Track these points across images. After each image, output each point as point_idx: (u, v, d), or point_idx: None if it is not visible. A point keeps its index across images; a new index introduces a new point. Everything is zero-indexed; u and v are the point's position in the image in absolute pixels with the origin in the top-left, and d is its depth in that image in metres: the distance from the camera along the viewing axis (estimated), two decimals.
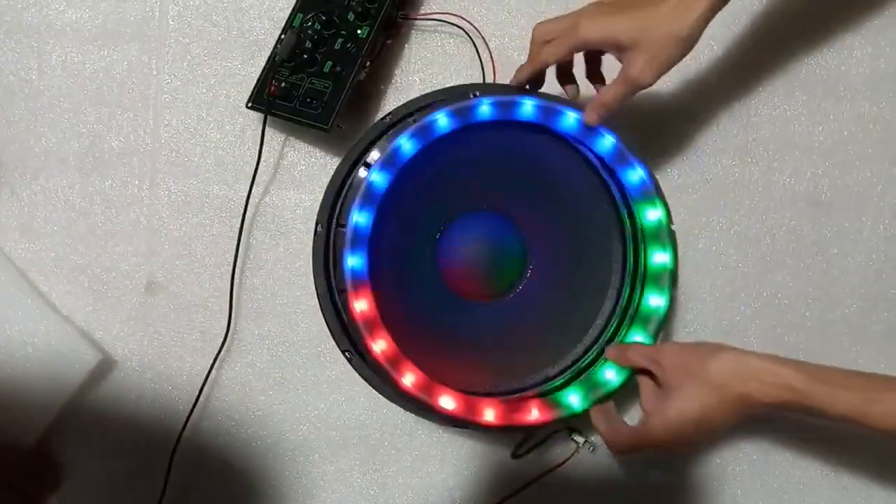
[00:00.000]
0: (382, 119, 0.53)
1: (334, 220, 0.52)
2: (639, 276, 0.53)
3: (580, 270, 0.56)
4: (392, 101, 0.64)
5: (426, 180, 0.55)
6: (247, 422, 0.63)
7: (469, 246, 0.58)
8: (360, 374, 0.52)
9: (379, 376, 0.52)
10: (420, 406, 0.51)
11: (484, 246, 0.58)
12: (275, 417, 0.63)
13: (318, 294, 0.52)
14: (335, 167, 0.56)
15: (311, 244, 0.60)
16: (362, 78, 0.60)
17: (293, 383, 0.63)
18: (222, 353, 0.62)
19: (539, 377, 0.54)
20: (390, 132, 0.53)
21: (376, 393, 0.52)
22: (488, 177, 0.56)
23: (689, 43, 0.47)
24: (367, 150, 0.53)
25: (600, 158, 0.53)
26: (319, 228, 0.53)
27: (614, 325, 0.53)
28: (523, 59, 0.53)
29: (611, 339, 0.53)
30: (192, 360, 0.63)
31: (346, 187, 0.53)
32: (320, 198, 0.54)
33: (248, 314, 0.63)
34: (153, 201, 0.64)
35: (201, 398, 0.61)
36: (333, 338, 0.52)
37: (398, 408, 0.53)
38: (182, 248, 0.64)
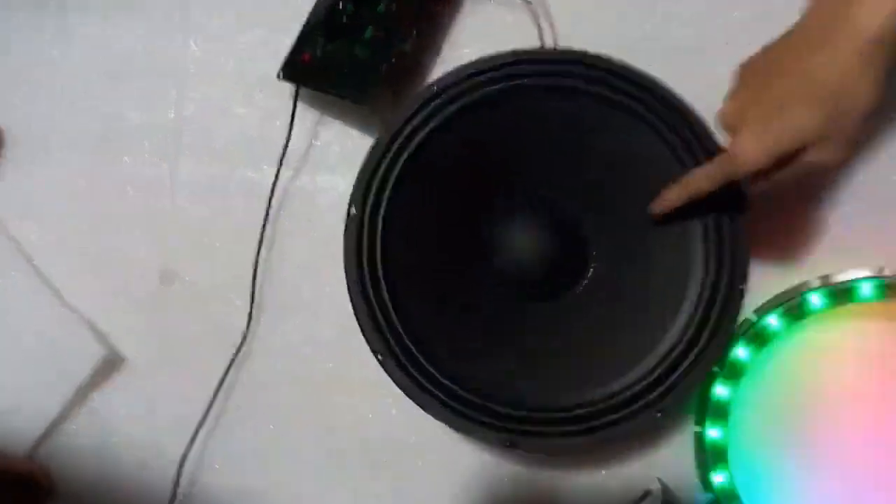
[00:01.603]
0: (429, 87, 0.46)
1: (370, 201, 0.46)
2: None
3: (651, 273, 0.47)
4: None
5: (475, 158, 0.48)
6: (263, 430, 0.56)
7: (523, 235, 0.51)
8: (394, 380, 0.45)
9: (418, 383, 0.44)
10: (470, 419, 0.43)
11: (541, 237, 0.51)
12: (295, 427, 0.56)
13: (348, 285, 0.45)
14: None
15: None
16: (407, 49, 0.54)
17: (318, 387, 0.56)
18: (241, 351, 0.55)
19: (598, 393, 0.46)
20: (435, 102, 0.46)
21: (412, 404, 0.45)
22: (549, 158, 0.49)
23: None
24: (410, 120, 0.46)
25: (688, 146, 0.45)
26: (353, 210, 0.46)
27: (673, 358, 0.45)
28: (589, 32, 0.46)
29: (683, 358, 0.45)
30: (207, 357, 0.56)
31: (384, 165, 0.46)
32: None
33: (271, 309, 0.57)
34: (172, 182, 0.59)
35: (216, 400, 0.55)
36: (364, 335, 0.45)
37: (436, 422, 0.46)
38: (202, 234, 0.58)
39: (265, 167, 0.57)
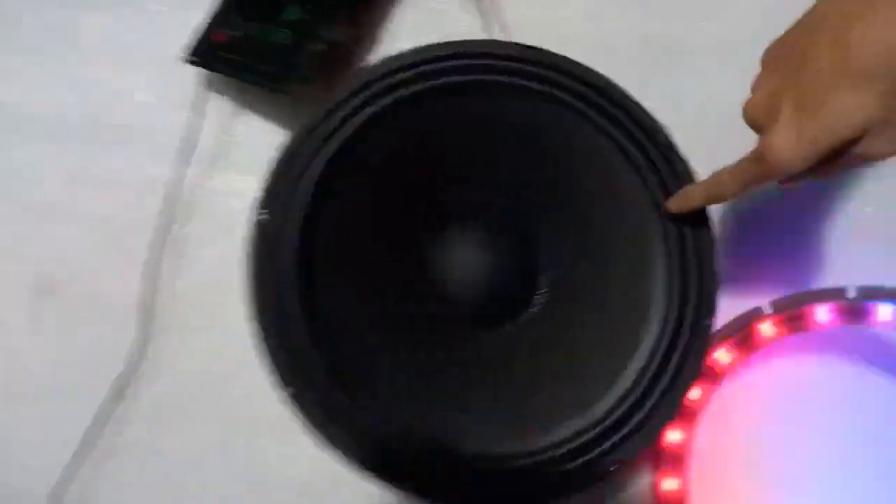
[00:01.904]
0: (360, 73, 0.40)
1: (281, 203, 0.38)
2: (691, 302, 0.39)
3: (609, 281, 0.42)
4: None
5: (405, 166, 0.42)
6: (151, 469, 0.47)
7: (461, 257, 0.44)
8: (307, 423, 0.37)
9: (337, 427, 0.37)
10: (393, 479, 0.36)
11: (482, 257, 0.44)
12: (191, 468, 0.47)
13: (250, 303, 0.38)
14: None
15: None
16: (340, 38, 0.47)
17: (223, 421, 0.48)
18: (131, 376, 0.47)
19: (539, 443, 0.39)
20: (368, 92, 0.39)
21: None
22: (486, 166, 0.43)
23: None
24: (336, 111, 0.39)
25: (641, 147, 0.40)
26: (262, 215, 0.38)
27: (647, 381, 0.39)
28: (541, 24, 0.41)
29: (644, 400, 0.39)
30: (89, 384, 0.48)
31: (302, 161, 0.39)
32: None
33: (170, 328, 0.49)
34: (57, 172, 0.50)
35: (100, 434, 0.46)
36: (270, 366, 0.37)
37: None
38: (90, 236, 0.49)
39: (169, 163, 0.49)
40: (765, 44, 0.35)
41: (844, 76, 0.29)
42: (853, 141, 0.30)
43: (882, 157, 0.31)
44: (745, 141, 0.34)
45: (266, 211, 0.38)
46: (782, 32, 0.34)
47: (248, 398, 0.47)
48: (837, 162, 0.31)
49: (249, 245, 0.38)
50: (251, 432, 0.47)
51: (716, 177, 0.36)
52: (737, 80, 0.36)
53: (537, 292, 0.43)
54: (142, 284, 0.48)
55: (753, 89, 0.35)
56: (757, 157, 0.33)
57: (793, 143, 0.30)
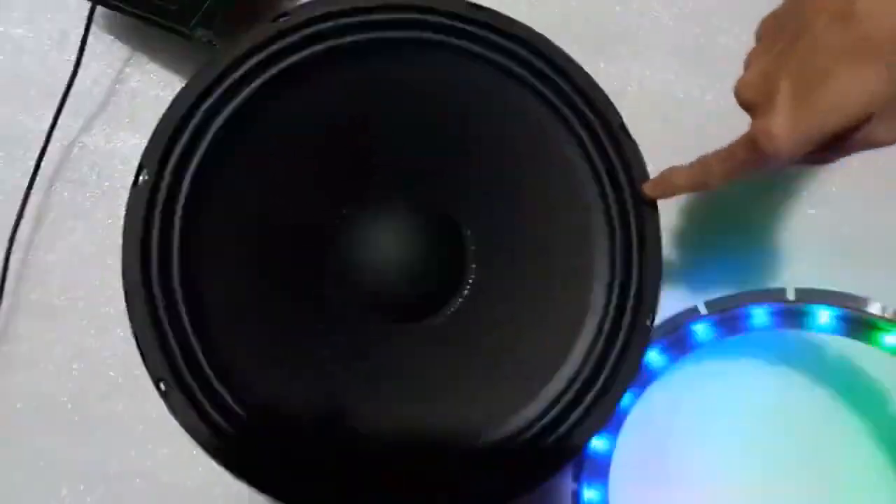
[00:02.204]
0: (276, 18, 0.34)
1: (171, 165, 0.32)
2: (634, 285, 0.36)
3: (545, 274, 0.37)
4: None
5: (316, 130, 0.36)
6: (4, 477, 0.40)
7: (380, 239, 0.39)
8: (181, 422, 0.31)
9: (217, 429, 0.31)
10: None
11: (403, 240, 0.39)
12: (49, 473, 0.40)
13: (124, 280, 0.31)
14: None
15: None
16: None
17: (88, 420, 0.41)
18: None
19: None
20: (284, 41, 0.34)
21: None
22: (408, 134, 0.38)
23: None
24: (244, 60, 0.33)
25: (577, 112, 0.36)
26: (145, 176, 0.32)
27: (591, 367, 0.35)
28: None
29: (585, 391, 0.35)
30: None
31: (199, 116, 0.33)
32: None
33: (30, 308, 0.41)
34: None
35: None
36: (141, 355, 0.31)
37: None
38: None
39: (44, 112, 0.42)
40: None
41: (849, 51, 0.25)
42: (857, 125, 0.26)
43: (888, 142, 0.28)
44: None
45: (148, 172, 0.32)
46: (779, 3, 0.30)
47: (131, 392, 0.40)
48: (838, 148, 0.28)
49: (127, 212, 0.32)
50: (129, 429, 0.41)
51: (702, 162, 0.32)
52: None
53: (468, 277, 0.39)
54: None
55: (746, 65, 0.31)
56: (750, 143, 0.29)
57: (790, 127, 0.27)
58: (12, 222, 0.40)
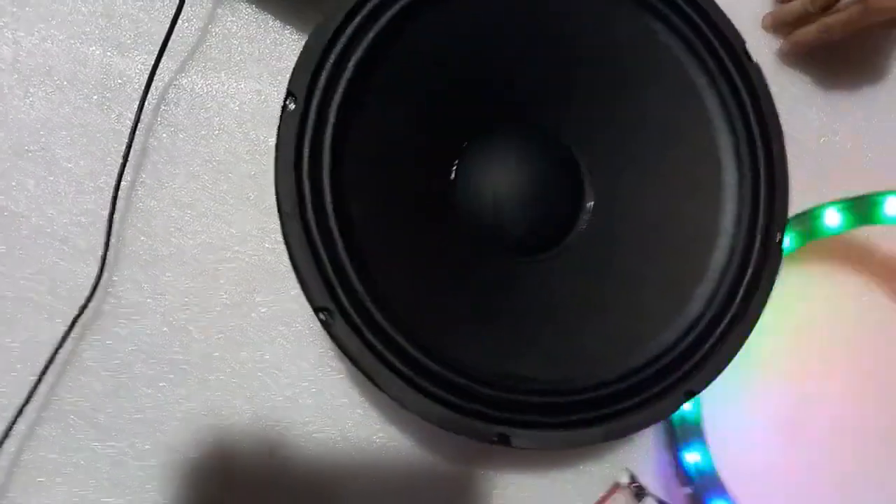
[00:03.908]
0: None
1: (317, 93, 0.31)
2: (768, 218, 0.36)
3: (669, 199, 0.38)
4: None
5: (448, 61, 0.36)
6: (119, 431, 0.39)
7: (497, 173, 0.39)
8: (343, 349, 0.31)
9: (378, 354, 0.31)
10: (450, 406, 0.31)
11: (520, 172, 0.39)
12: (169, 424, 0.39)
13: (280, 211, 0.31)
14: (296, 44, 0.36)
15: (247, 156, 0.39)
16: None
17: (202, 370, 0.40)
18: (86, 315, 0.38)
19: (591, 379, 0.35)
20: None
21: (351, 390, 0.31)
22: (530, 64, 0.38)
23: None
24: None
25: (702, 36, 0.37)
26: (292, 105, 0.31)
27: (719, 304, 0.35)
28: None
29: (714, 327, 0.35)
30: (35, 324, 0.38)
31: (341, 43, 0.32)
32: (265, 88, 0.37)
33: (134, 257, 0.40)
34: None
35: (42, 387, 0.37)
36: (302, 286, 0.31)
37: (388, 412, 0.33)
38: (30, 139, 0.39)
39: (136, 54, 0.40)
40: None
41: None
42: None
43: None
44: None
45: (296, 100, 0.31)
46: None
47: (240, 338, 0.40)
48: None
49: (279, 139, 0.31)
50: (243, 375, 0.40)
51: (824, 23, 0.46)
52: None
53: (585, 210, 0.39)
54: (101, 202, 0.39)
55: None
56: (865, 12, 0.43)
57: None
58: (109, 168, 0.39)
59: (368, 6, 0.32)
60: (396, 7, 0.33)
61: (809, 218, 0.45)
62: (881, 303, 0.49)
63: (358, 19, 0.32)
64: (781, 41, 0.49)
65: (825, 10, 0.46)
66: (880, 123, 0.51)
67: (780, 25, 0.49)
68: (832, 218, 0.44)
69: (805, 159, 0.49)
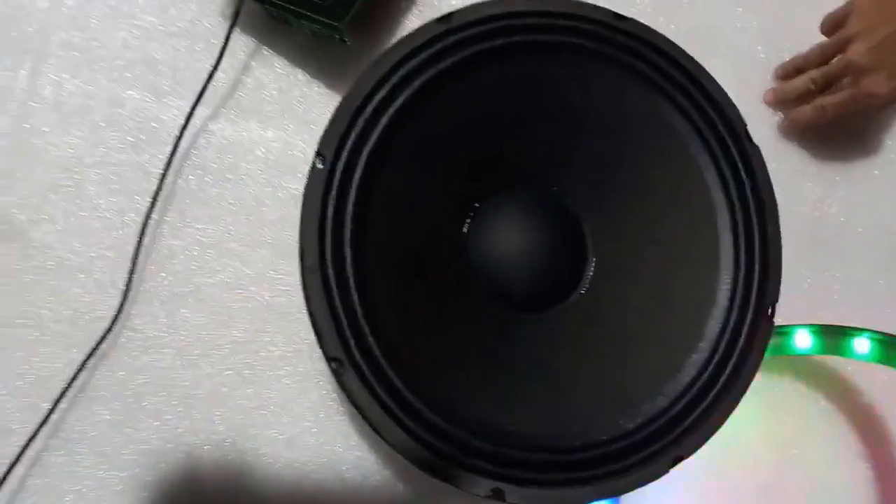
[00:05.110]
0: (440, 20, 0.35)
1: (345, 155, 0.34)
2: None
3: (667, 267, 0.40)
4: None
5: (465, 129, 0.38)
6: (124, 461, 0.40)
7: (507, 233, 0.41)
8: (352, 399, 0.32)
9: (384, 405, 0.32)
10: (450, 459, 0.32)
11: (528, 234, 0.41)
12: (173, 456, 0.41)
13: (303, 264, 0.33)
14: (321, 98, 0.38)
15: (269, 201, 0.41)
16: None
17: (208, 405, 0.41)
18: (104, 345, 0.40)
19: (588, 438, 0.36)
20: (447, 41, 0.35)
21: (350, 433, 0.33)
22: (544, 129, 0.40)
23: None
24: (410, 59, 0.35)
25: (705, 115, 0.39)
26: (320, 164, 0.33)
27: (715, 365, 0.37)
28: None
29: (705, 394, 0.37)
30: (52, 352, 0.40)
31: (370, 108, 0.34)
32: (291, 137, 0.39)
33: (154, 292, 0.42)
34: (31, 97, 0.42)
35: (54, 414, 0.39)
36: (318, 336, 0.32)
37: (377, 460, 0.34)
38: (65, 176, 0.42)
39: (171, 99, 0.43)
40: None
41: None
42: None
43: None
44: None
45: (324, 159, 0.33)
46: None
47: (250, 375, 0.41)
48: None
49: (306, 196, 0.33)
50: (251, 416, 0.41)
51: (818, 107, 0.49)
52: None
53: (588, 268, 0.41)
54: (126, 238, 0.41)
55: (847, 33, 0.46)
56: (858, 95, 0.46)
57: (889, 89, 0.45)
58: (137, 206, 0.41)
59: (395, 78, 0.35)
60: (420, 81, 0.35)
61: (779, 334, 0.46)
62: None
63: (384, 91, 0.34)
64: (781, 116, 0.52)
65: (825, 88, 0.49)
66: (872, 196, 0.53)
67: (781, 101, 0.52)
68: (803, 339, 0.46)
69: (800, 230, 0.51)
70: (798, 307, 0.49)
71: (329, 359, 0.32)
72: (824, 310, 0.49)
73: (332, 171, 0.33)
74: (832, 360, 0.50)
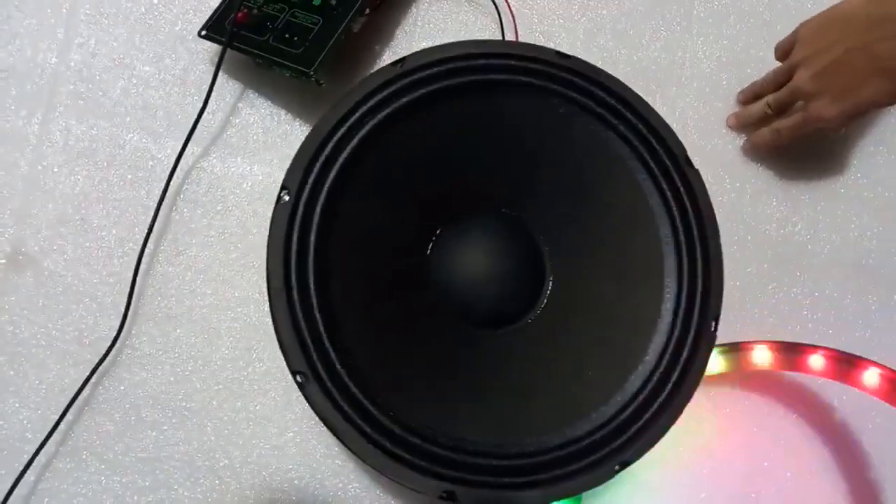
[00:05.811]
0: (395, 63, 0.39)
1: (308, 188, 0.37)
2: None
3: (618, 297, 0.42)
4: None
5: (434, 156, 0.42)
6: (124, 467, 0.44)
7: (468, 256, 0.44)
8: (315, 408, 0.36)
9: (345, 414, 0.36)
10: (404, 462, 0.35)
11: (489, 256, 0.44)
12: (168, 463, 0.44)
13: (269, 286, 0.36)
14: (303, 134, 0.42)
15: (255, 230, 0.45)
16: (356, 28, 0.47)
17: (201, 417, 0.45)
18: (106, 363, 0.44)
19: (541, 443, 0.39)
20: (403, 82, 0.39)
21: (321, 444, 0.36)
22: (497, 161, 0.43)
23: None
24: (368, 98, 0.39)
25: (648, 144, 0.42)
26: (286, 197, 0.37)
27: (658, 376, 0.40)
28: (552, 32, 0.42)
29: (650, 403, 0.39)
30: (61, 368, 0.44)
31: (331, 145, 0.38)
32: (275, 171, 0.42)
33: (151, 314, 0.46)
34: (42, 141, 0.47)
35: (62, 425, 0.43)
36: (283, 350, 0.36)
37: (348, 466, 0.37)
38: (72, 210, 0.46)
39: (166, 140, 0.47)
40: None
41: (872, 73, 0.45)
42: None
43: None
44: None
45: (289, 192, 0.37)
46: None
47: (236, 389, 0.45)
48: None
49: (272, 225, 0.37)
50: (239, 429, 0.45)
51: (774, 130, 0.51)
52: None
53: (546, 288, 0.44)
54: (126, 265, 0.45)
55: (795, 60, 0.49)
56: (809, 118, 0.48)
57: (838, 111, 0.47)
58: (136, 236, 0.46)
59: (352, 119, 0.39)
60: (376, 119, 0.39)
61: (743, 350, 0.48)
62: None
63: (343, 129, 0.38)
64: (745, 139, 0.54)
65: (780, 112, 0.51)
66: (836, 214, 0.55)
67: (742, 125, 0.54)
68: (762, 356, 0.48)
69: (766, 249, 0.53)
70: (765, 324, 0.51)
71: (294, 372, 0.36)
72: (791, 326, 0.51)
73: (296, 203, 0.37)
74: (803, 375, 0.51)
